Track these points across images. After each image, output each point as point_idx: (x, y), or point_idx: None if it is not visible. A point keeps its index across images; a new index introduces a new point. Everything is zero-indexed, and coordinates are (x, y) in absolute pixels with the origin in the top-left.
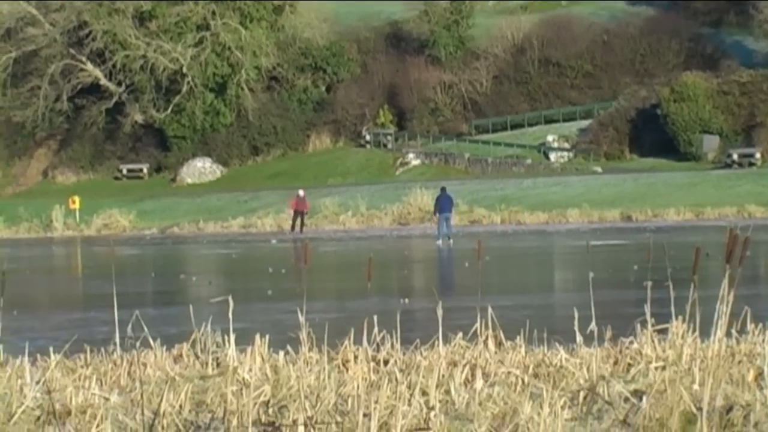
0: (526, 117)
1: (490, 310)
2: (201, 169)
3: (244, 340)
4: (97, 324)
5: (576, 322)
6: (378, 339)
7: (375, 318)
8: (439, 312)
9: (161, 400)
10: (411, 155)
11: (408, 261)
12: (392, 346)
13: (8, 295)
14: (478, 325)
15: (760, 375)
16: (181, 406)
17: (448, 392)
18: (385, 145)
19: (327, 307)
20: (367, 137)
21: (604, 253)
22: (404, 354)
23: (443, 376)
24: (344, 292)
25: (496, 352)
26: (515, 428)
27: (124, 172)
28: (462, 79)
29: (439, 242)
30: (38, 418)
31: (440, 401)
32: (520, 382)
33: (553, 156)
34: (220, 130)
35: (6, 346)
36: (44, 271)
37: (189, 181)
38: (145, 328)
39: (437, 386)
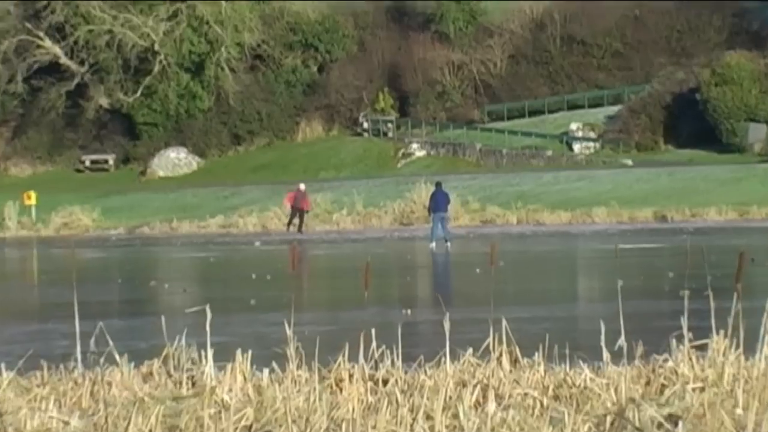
0: (547, 102)
1: (504, 322)
2: (175, 160)
3: (223, 356)
4: (55, 337)
5: (602, 337)
6: (376, 355)
7: (373, 331)
8: (447, 324)
9: (128, 425)
10: (415, 145)
11: (411, 266)
12: (392, 363)
13: None
14: (490, 339)
15: None
16: (151, 431)
17: (456, 416)
18: (385, 134)
19: (318, 319)
20: (365, 125)
21: (634, 258)
22: (406, 373)
23: (450, 398)
24: (338, 301)
25: (511, 371)
26: None
27: (87, 163)
28: (473, 58)
29: (433, 245)
30: None
31: (447, 426)
32: (538, 405)
33: (577, 147)
34: (196, 115)
35: None
36: None
37: (161, 174)
38: (111, 342)
39: (444, 410)
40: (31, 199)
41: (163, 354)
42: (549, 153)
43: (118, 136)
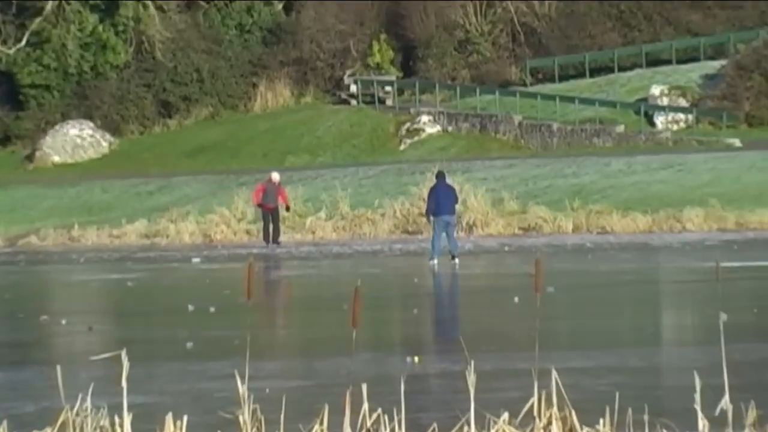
0: (617, 56)
1: (554, 374)
2: (76, 139)
3: (147, 423)
4: None
5: (697, 396)
6: (369, 423)
7: (364, 388)
8: (471, 378)
9: None
10: (425, 118)
11: (418, 293)
12: None
13: None
14: (534, 399)
15: None
16: None
17: None
18: (382, 101)
19: (285, 371)
20: (352, 88)
21: (744, 282)
22: None
23: None
24: (313, 344)
25: None
26: None
27: None
28: None
29: (434, 262)
30: None
31: None
32: None
33: (660, 120)
34: (107, 75)
35: None
36: None
37: (56, 159)
38: None
39: None
40: None
41: (59, 421)
42: (620, 129)
43: None
